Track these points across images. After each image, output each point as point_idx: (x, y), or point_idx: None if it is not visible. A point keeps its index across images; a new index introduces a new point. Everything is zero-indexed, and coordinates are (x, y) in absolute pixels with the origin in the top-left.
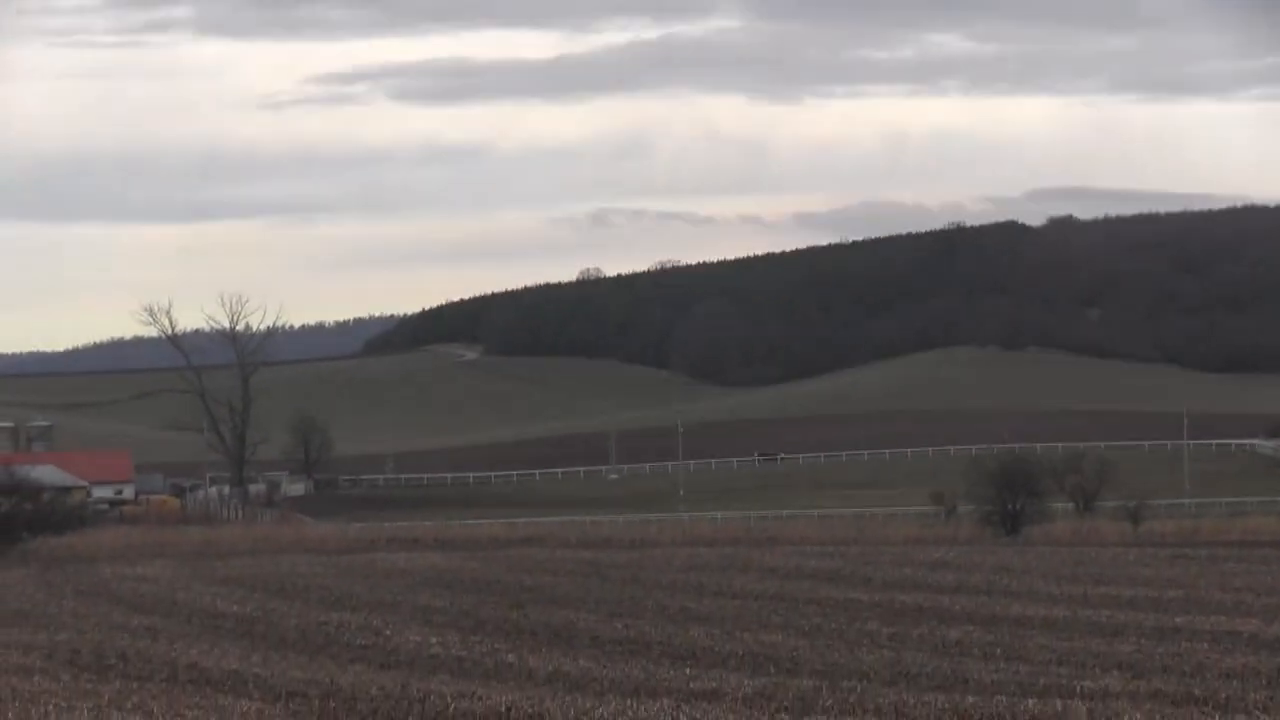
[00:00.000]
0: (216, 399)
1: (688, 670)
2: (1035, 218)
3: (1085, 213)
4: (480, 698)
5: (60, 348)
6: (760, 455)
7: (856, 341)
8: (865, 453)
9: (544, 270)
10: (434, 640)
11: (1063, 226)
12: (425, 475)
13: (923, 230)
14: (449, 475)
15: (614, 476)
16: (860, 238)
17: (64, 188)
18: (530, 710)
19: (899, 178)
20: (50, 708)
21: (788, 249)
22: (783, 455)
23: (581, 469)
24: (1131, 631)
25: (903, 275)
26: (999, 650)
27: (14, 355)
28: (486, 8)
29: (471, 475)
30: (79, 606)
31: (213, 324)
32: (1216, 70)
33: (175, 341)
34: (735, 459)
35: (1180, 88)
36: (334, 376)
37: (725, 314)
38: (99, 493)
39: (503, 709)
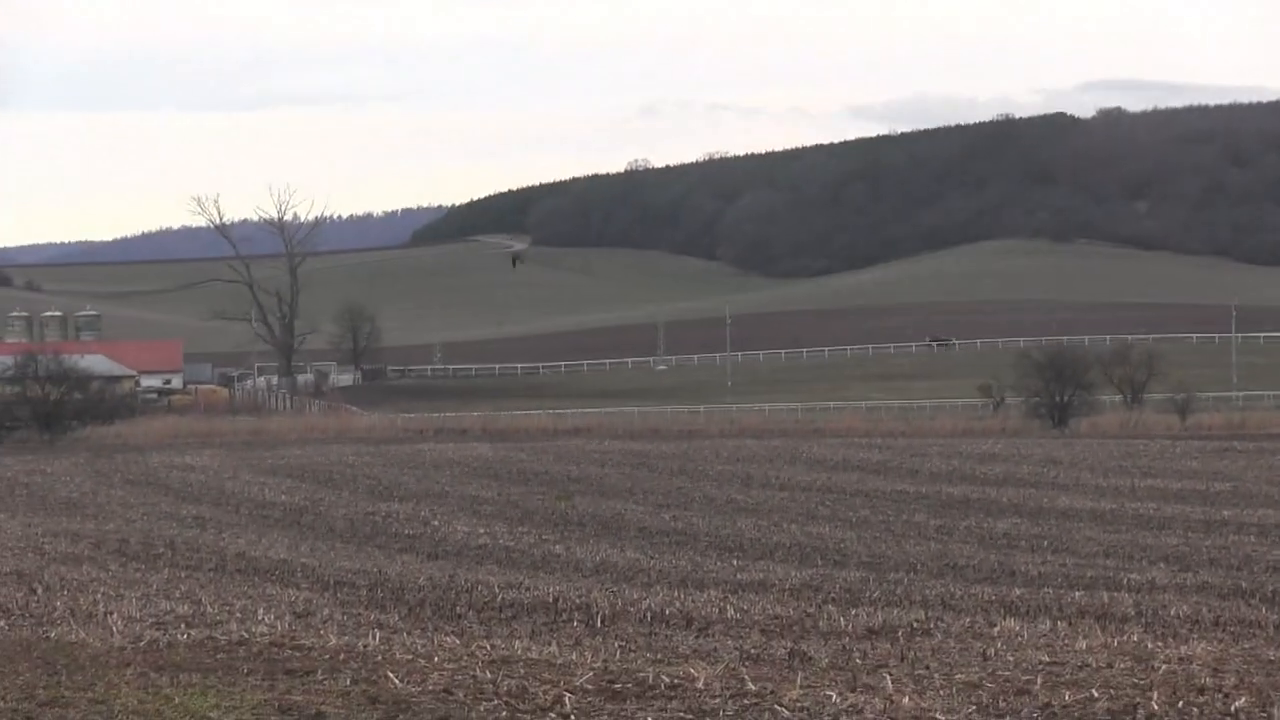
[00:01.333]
0: (265, 289)
1: (735, 561)
2: (1085, 109)
3: (1135, 105)
4: (528, 588)
5: (108, 237)
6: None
7: (905, 233)
8: (912, 344)
9: (592, 161)
10: (481, 530)
11: (1112, 118)
12: (473, 366)
13: (972, 122)
14: (496, 366)
15: (662, 368)
16: (909, 129)
17: (113, 78)
18: (578, 601)
19: (949, 69)
20: (99, 596)
21: (836, 140)
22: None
23: (629, 360)
24: (1178, 524)
25: (952, 167)
26: (1046, 542)
27: (62, 244)
28: None
29: (519, 366)
30: (128, 495)
31: (261, 214)
32: None
33: (223, 231)
34: (783, 350)
35: None
36: (382, 267)
37: (773, 205)
38: (148, 382)
39: (550, 599)
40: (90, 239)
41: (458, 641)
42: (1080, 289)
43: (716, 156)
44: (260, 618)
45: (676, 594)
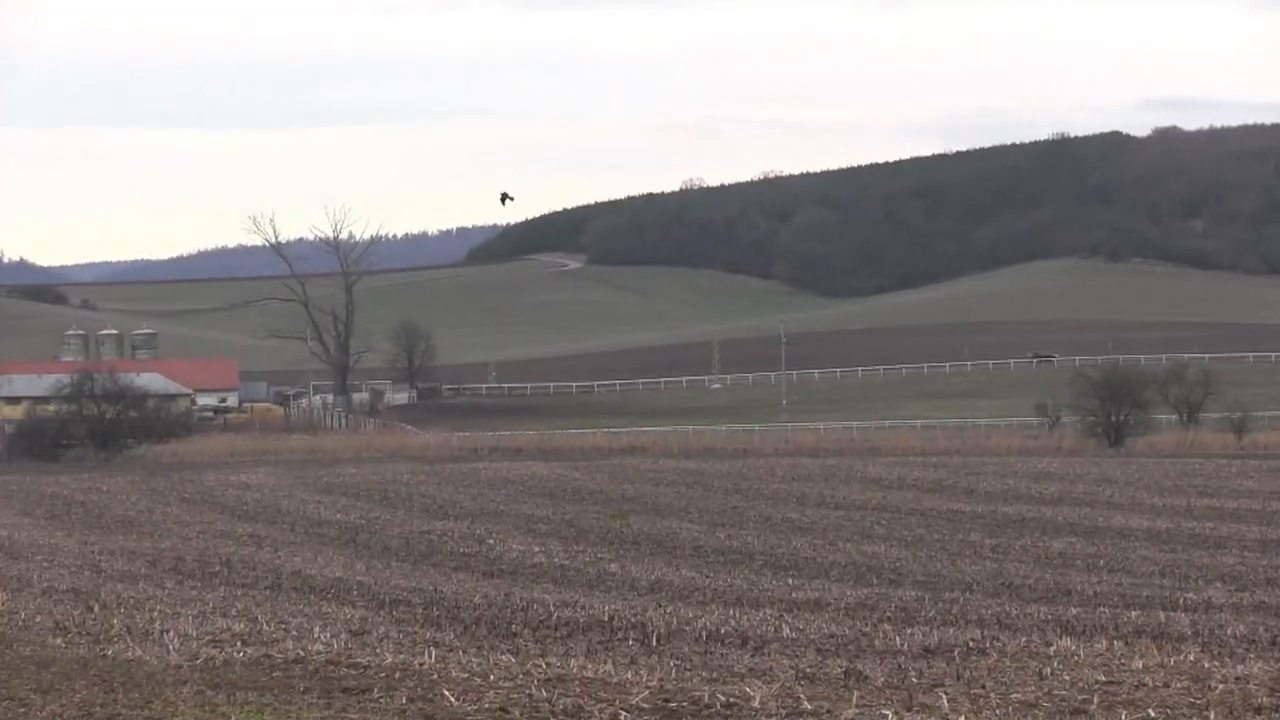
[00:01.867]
0: (320, 307)
1: (790, 580)
2: (1141, 128)
3: (1190, 123)
4: (583, 606)
5: (164, 256)
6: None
7: (960, 251)
8: (968, 363)
9: (647, 179)
10: (537, 549)
11: (1168, 137)
12: (528, 384)
13: (1027, 140)
14: (551, 385)
15: (716, 386)
16: (965, 147)
17: (169, 93)
18: (633, 619)
19: (1005, 88)
20: (155, 614)
21: (891, 159)
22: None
23: (684, 378)
24: (1235, 544)
25: (1007, 185)
26: (1102, 562)
27: (118, 263)
28: None
29: (574, 385)
30: (184, 514)
31: (316, 233)
32: None
33: (279, 250)
34: (838, 369)
35: None
36: (437, 285)
37: (828, 223)
38: (203, 400)
39: (605, 618)
40: (146, 257)
41: (513, 660)
42: (1136, 307)
43: (771, 175)
44: (316, 636)
45: (732, 613)
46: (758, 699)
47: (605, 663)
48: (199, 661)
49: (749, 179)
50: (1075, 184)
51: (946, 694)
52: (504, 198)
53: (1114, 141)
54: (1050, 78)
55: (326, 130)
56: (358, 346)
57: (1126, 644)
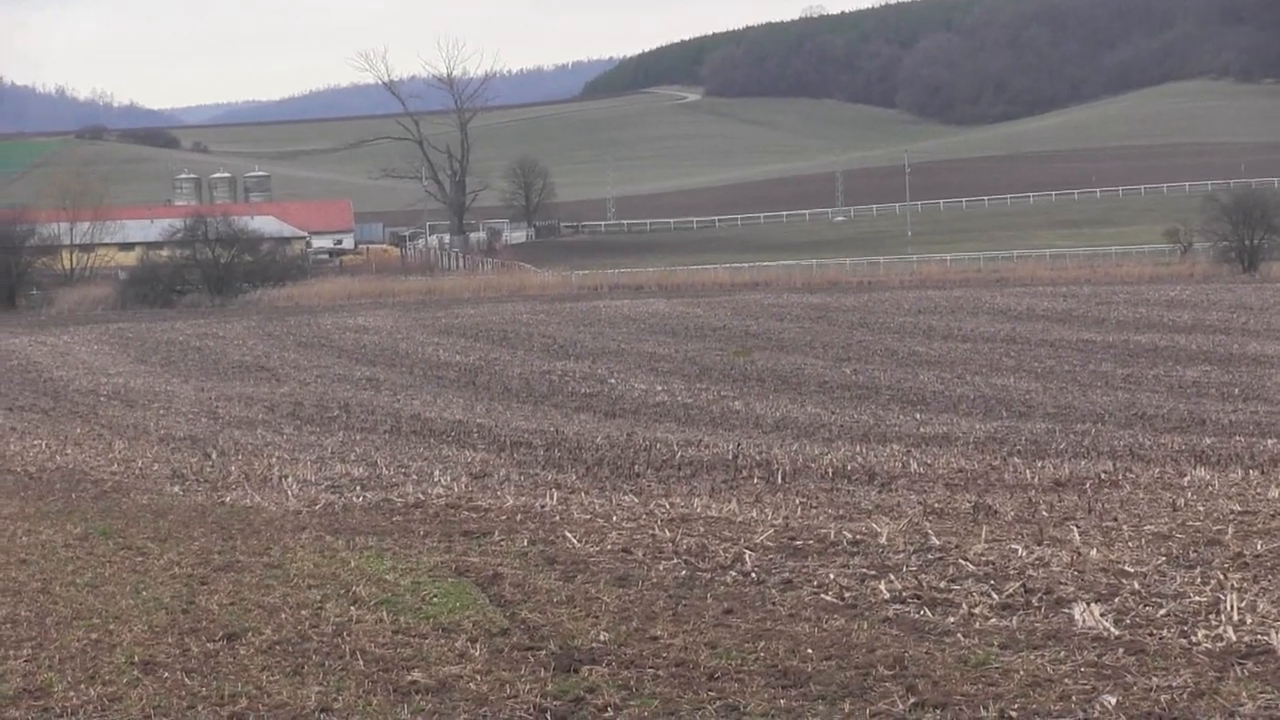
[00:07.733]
0: (434, 146)
1: (918, 415)
2: None
3: None
4: (707, 445)
5: (275, 96)
6: None
7: (1087, 75)
8: (1098, 190)
9: (766, 8)
10: (659, 388)
11: None
12: (648, 221)
13: None
14: (672, 220)
15: (840, 219)
16: None
17: None
18: (758, 457)
19: None
20: (274, 460)
21: None
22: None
23: (807, 211)
24: None
25: (1135, 6)
26: (1237, 390)
27: (229, 105)
28: None
29: (695, 220)
30: (300, 358)
31: (430, 70)
32: None
33: (391, 88)
34: (964, 199)
35: None
36: (554, 121)
37: (952, 49)
38: (318, 243)
39: (729, 456)
40: (257, 98)
41: (636, 500)
42: (1269, 129)
43: (893, 1)
44: (436, 479)
45: (858, 449)
46: (885, 535)
47: (729, 501)
48: (318, 507)
49: (870, 5)
50: (1205, 3)
51: (1078, 527)
52: None
53: None
54: None
55: None
56: (474, 185)
57: (1263, 473)
